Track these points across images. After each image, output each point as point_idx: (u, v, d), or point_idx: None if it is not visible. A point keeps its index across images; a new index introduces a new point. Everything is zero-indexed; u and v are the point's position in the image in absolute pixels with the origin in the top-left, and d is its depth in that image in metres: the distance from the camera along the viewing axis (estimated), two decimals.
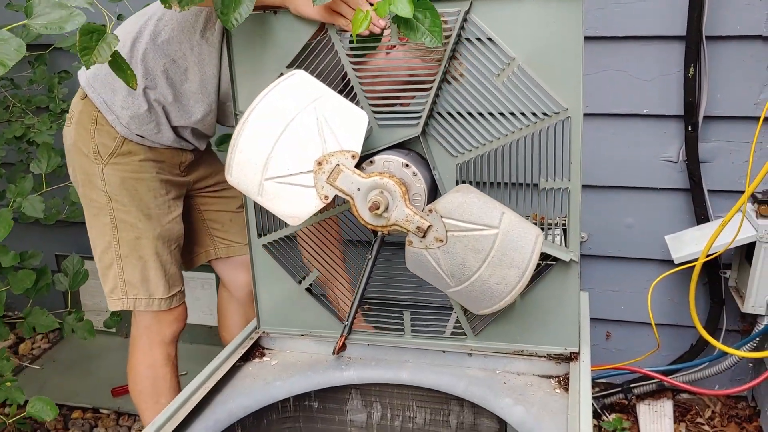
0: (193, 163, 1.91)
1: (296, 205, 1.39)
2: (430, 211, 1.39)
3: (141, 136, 1.73)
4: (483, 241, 1.37)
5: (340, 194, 1.38)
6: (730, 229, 1.87)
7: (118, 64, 1.20)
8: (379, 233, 1.52)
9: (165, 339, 1.87)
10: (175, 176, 1.85)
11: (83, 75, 1.73)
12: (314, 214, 1.42)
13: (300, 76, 1.39)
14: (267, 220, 1.65)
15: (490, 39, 1.38)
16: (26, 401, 1.81)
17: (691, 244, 2.11)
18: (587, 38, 2.12)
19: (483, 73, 1.40)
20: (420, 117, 1.46)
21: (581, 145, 1.41)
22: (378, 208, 1.37)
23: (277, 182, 1.39)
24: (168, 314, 1.86)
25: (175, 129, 1.77)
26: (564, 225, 1.73)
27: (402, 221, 1.39)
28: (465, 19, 1.38)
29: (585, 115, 2.10)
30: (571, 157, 1.43)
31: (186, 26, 1.63)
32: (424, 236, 1.40)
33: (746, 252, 2.11)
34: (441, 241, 1.40)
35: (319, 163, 1.37)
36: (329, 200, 1.38)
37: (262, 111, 1.38)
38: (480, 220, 1.37)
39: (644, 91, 2.15)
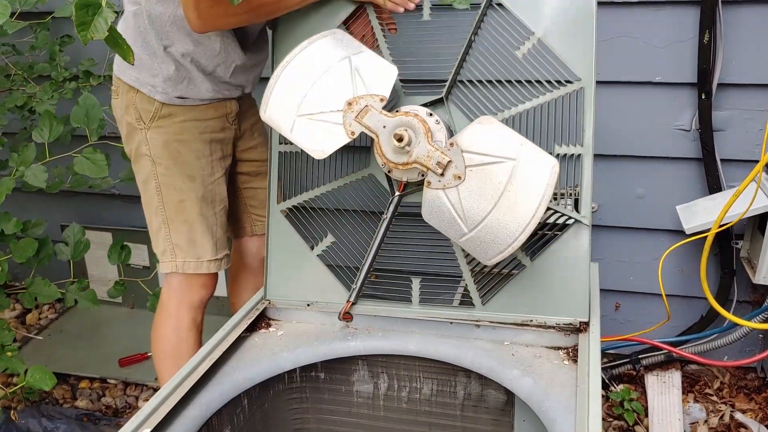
0: (241, 115, 1.89)
1: (324, 140, 1.50)
2: (451, 144, 1.44)
3: (182, 98, 1.73)
4: (499, 173, 1.40)
5: (366, 131, 1.47)
6: (742, 199, 1.83)
7: (114, 40, 1.16)
8: (395, 196, 1.57)
9: (193, 303, 1.88)
10: (221, 131, 1.84)
11: (116, 63, 1.78)
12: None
13: (339, 33, 1.55)
14: (288, 186, 1.69)
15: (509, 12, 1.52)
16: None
17: (703, 214, 2.08)
18: (600, 3, 2.07)
19: (504, 45, 1.52)
20: (444, 84, 1.56)
21: (594, 114, 1.47)
22: (402, 140, 1.43)
23: (309, 119, 1.51)
24: (198, 278, 1.86)
25: (211, 76, 1.75)
26: (575, 195, 1.75)
27: (423, 157, 1.45)
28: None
29: (597, 82, 2.07)
30: (584, 124, 1.47)
31: None
32: (442, 174, 1.44)
33: (759, 222, 2.07)
34: (459, 178, 1.43)
35: (349, 104, 1.48)
36: (355, 136, 1.48)
37: (302, 58, 1.52)
38: (499, 151, 1.41)
39: (657, 58, 2.11)
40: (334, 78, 1.51)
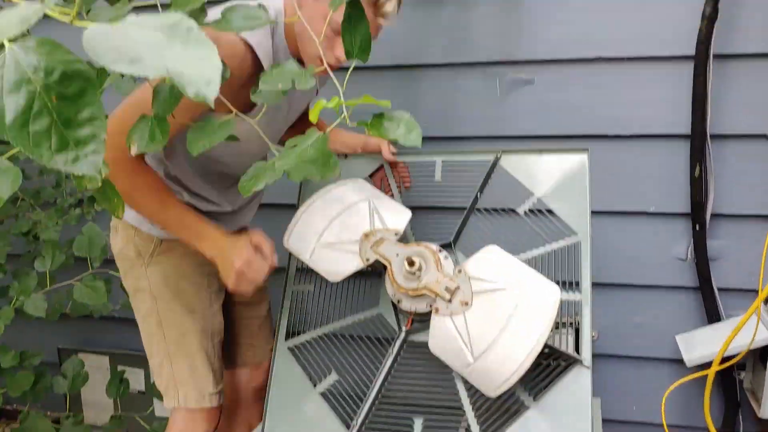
0: None
1: (340, 265, 1.60)
2: (459, 271, 1.53)
3: None
4: (505, 299, 1.49)
5: (381, 258, 1.57)
6: (744, 330, 1.84)
7: (105, 193, 1.19)
8: (402, 332, 1.61)
9: None
10: None
11: None
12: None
13: (361, 181, 1.76)
14: (297, 324, 1.74)
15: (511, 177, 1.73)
16: None
17: (703, 345, 2.07)
18: (595, 136, 2.15)
19: (507, 202, 1.71)
20: (452, 231, 1.73)
21: (591, 265, 1.58)
22: (413, 264, 1.53)
23: (328, 247, 1.62)
24: (200, 413, 1.83)
25: (203, 202, 1.77)
26: (575, 324, 1.80)
27: (432, 283, 1.52)
28: (495, 164, 1.75)
29: (593, 212, 2.12)
30: (581, 274, 1.57)
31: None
32: (450, 300, 1.51)
33: (761, 354, 2.06)
34: (466, 304, 1.50)
35: (366, 235, 1.61)
36: (369, 263, 1.58)
37: (326, 199, 1.68)
38: (504, 278, 1.51)
39: (651, 189, 2.16)
40: (354, 214, 1.64)
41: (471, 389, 1.57)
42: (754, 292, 2.14)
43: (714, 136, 2.07)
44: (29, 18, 0.58)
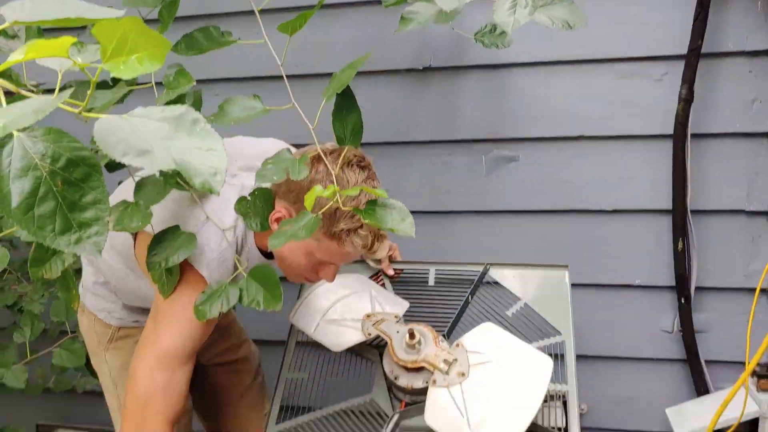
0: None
1: (342, 337, 1.72)
2: (457, 345, 1.63)
3: (136, 321, 1.74)
4: (500, 371, 1.58)
5: (382, 334, 1.67)
6: (733, 403, 1.84)
7: (66, 284, 1.20)
8: (396, 413, 1.63)
9: None
10: None
11: (80, 285, 1.77)
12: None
13: (363, 276, 1.92)
14: (290, 410, 1.75)
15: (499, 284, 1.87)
16: None
17: (693, 418, 2.07)
18: (580, 211, 2.19)
19: (495, 305, 1.83)
20: (446, 325, 1.82)
21: (574, 363, 1.72)
22: (413, 337, 1.61)
23: (331, 324, 1.75)
24: None
25: None
26: (563, 397, 1.86)
27: (431, 356, 1.60)
28: (484, 273, 1.89)
29: (578, 285, 2.14)
30: (567, 373, 1.69)
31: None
32: (447, 372, 1.57)
33: (749, 427, 2.06)
34: (463, 375, 1.58)
35: (368, 315, 1.72)
36: (371, 337, 1.68)
37: (330, 284, 1.72)
38: (499, 352, 1.61)
39: (636, 263, 2.19)
40: (357, 299, 1.79)
41: None
42: (742, 364, 2.15)
43: (695, 211, 2.12)
44: (43, 110, 0.60)
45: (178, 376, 1.43)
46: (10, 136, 0.67)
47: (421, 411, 1.63)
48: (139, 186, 1.12)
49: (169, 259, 1.19)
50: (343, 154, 1.38)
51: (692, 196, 2.10)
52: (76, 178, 0.72)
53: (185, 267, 1.39)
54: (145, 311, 1.72)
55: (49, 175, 0.70)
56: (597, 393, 2.30)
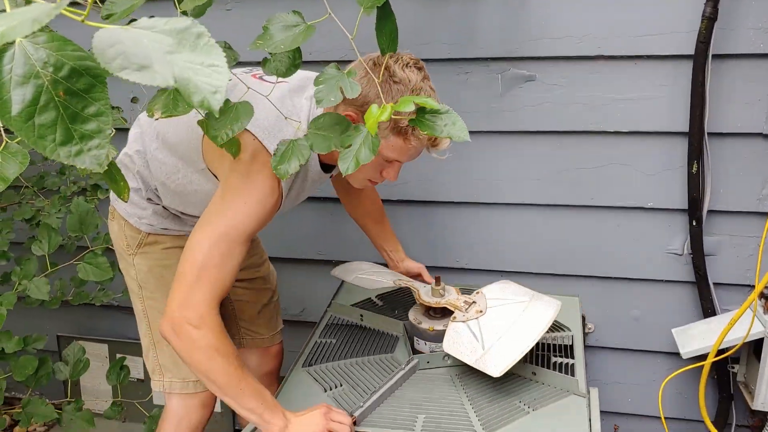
0: None
1: (375, 283, 2.01)
2: (477, 293, 1.84)
3: (166, 229, 1.80)
4: (515, 307, 1.76)
5: (410, 286, 1.96)
6: (738, 324, 1.86)
7: (112, 175, 1.20)
8: (413, 359, 1.79)
9: (191, 425, 1.88)
10: None
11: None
12: None
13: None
14: (318, 354, 1.90)
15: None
16: None
17: (699, 338, 2.10)
18: (592, 132, 2.17)
19: None
20: None
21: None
22: (439, 283, 1.88)
23: (366, 275, 2.06)
24: (195, 398, 1.87)
25: (192, 219, 1.79)
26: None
27: (453, 299, 1.83)
28: None
29: (589, 206, 2.14)
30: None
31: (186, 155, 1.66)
32: (467, 311, 1.77)
33: (754, 347, 2.09)
34: (481, 312, 1.77)
35: (399, 279, 2.02)
36: (398, 285, 1.99)
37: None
38: (515, 297, 1.81)
39: (649, 185, 2.18)
40: (390, 273, 2.10)
41: (473, 400, 1.67)
42: (750, 287, 2.17)
43: (712, 134, 2.09)
44: (42, 18, 0.59)
45: (235, 254, 1.46)
46: (12, 42, 0.66)
47: (439, 359, 1.81)
48: None
49: (233, 128, 1.18)
50: (401, 57, 1.47)
51: (710, 118, 2.06)
52: (79, 88, 0.71)
53: (256, 153, 1.44)
54: (177, 219, 1.79)
55: (50, 84, 0.69)
56: (604, 313, 2.33)
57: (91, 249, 2.08)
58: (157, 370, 1.86)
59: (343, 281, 2.25)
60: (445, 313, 1.85)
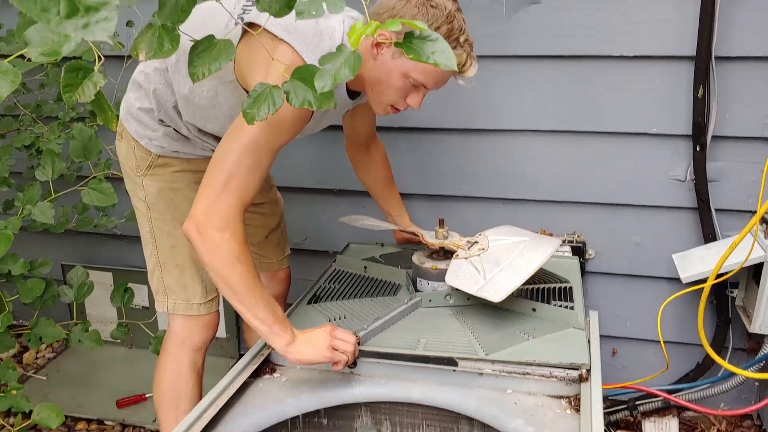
0: None
1: (380, 226, 2.10)
2: (480, 234, 1.90)
3: (176, 152, 1.80)
4: (516, 245, 1.82)
5: (415, 230, 2.08)
6: (738, 249, 1.87)
7: (99, 105, 1.18)
8: (414, 297, 1.85)
9: (194, 345, 1.91)
10: None
11: (122, 109, 1.82)
12: None
13: None
14: (323, 293, 1.97)
15: None
16: (31, 411, 1.80)
17: (699, 263, 2.11)
18: (597, 57, 2.14)
19: None
20: None
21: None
22: (443, 226, 1.95)
23: (372, 222, 2.13)
24: (199, 320, 1.90)
25: (209, 139, 1.80)
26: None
27: (456, 239, 1.91)
28: None
29: (592, 132, 2.13)
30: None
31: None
32: (469, 248, 1.84)
33: (754, 272, 2.11)
34: (483, 249, 1.83)
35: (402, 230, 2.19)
36: (403, 228, 2.17)
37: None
38: (516, 237, 1.86)
39: (653, 111, 2.16)
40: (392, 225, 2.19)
41: (474, 329, 1.71)
42: (751, 213, 2.17)
43: (719, 58, 2.06)
44: None
45: (263, 164, 1.50)
46: None
47: (441, 297, 1.84)
48: (162, 5, 1.08)
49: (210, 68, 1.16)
50: None
51: (717, 42, 2.03)
52: None
53: (293, 66, 1.42)
54: (188, 142, 1.79)
55: None
56: (605, 239, 2.35)
57: (94, 176, 2.07)
58: (161, 291, 1.89)
59: (349, 243, 2.35)
60: (447, 255, 1.90)
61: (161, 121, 1.75)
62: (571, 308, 1.78)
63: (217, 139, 1.76)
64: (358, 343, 1.60)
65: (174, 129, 1.77)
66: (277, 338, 1.51)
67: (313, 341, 1.53)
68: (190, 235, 1.48)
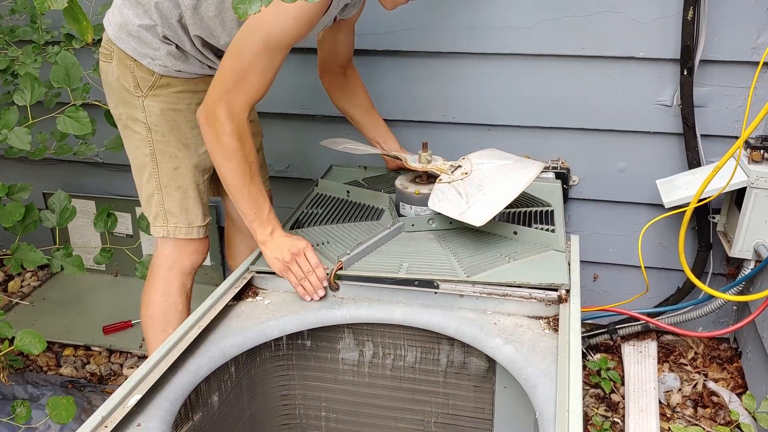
0: None
1: (361, 150, 2.10)
2: (463, 158, 1.86)
3: (178, 71, 1.77)
4: (501, 168, 1.81)
5: (397, 154, 2.05)
6: (721, 174, 1.87)
7: (73, 13, 1.14)
8: (397, 222, 1.85)
9: (184, 269, 1.93)
10: None
11: (110, 27, 1.77)
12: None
13: None
14: (307, 218, 1.97)
15: None
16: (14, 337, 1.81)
17: (682, 188, 2.12)
18: None
19: None
20: None
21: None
22: (426, 149, 1.90)
23: (353, 145, 2.13)
24: (190, 244, 1.92)
25: (209, 55, 1.78)
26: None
27: (440, 163, 1.88)
28: None
29: (581, 57, 2.09)
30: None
31: None
32: (452, 173, 1.81)
33: (736, 197, 2.12)
34: (467, 173, 1.81)
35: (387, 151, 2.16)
36: (387, 153, 2.13)
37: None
38: (500, 160, 1.84)
39: (641, 34, 2.12)
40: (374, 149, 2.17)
41: (456, 253, 1.71)
42: (737, 138, 2.16)
43: None
44: None
45: (275, 63, 1.57)
46: None
47: (424, 222, 1.85)
48: None
49: None
50: None
51: None
52: None
53: None
54: (190, 60, 1.77)
55: None
56: (589, 165, 2.34)
57: (72, 103, 2.02)
58: (161, 215, 1.87)
59: (331, 165, 2.33)
60: (431, 179, 1.89)
61: (165, 37, 1.71)
62: (552, 231, 1.78)
63: (219, 55, 1.75)
64: (341, 268, 1.61)
65: (176, 46, 1.73)
66: (255, 234, 1.67)
67: (278, 248, 1.64)
68: (200, 120, 1.60)
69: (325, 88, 2.16)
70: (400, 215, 1.90)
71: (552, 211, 1.92)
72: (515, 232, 1.78)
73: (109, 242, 2.28)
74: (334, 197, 2.09)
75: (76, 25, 1.15)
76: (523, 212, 1.92)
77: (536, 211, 1.92)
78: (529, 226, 1.81)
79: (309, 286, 1.61)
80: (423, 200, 1.83)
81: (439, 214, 1.77)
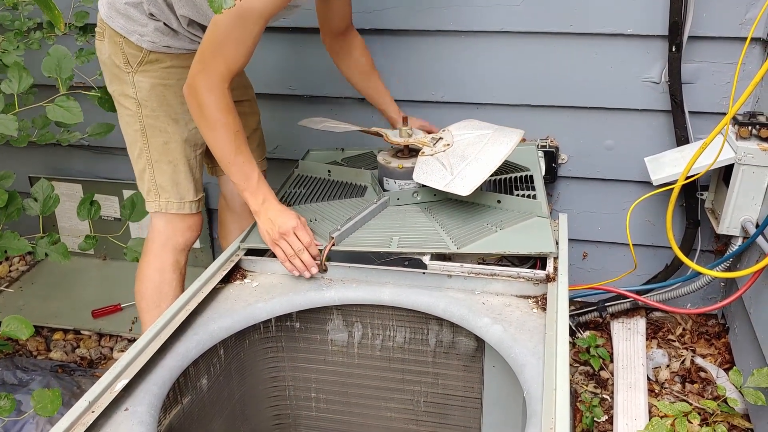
0: None
1: (341, 128, 2.04)
2: (444, 130, 1.90)
3: (168, 47, 1.77)
4: (481, 137, 1.82)
5: (378, 130, 2.00)
6: (709, 151, 1.87)
7: (45, 2, 1.13)
8: (383, 197, 1.84)
9: (177, 245, 1.94)
10: None
11: (102, 7, 1.78)
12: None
13: None
14: (294, 195, 1.98)
15: None
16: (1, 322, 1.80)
17: (670, 165, 2.12)
18: None
19: None
20: None
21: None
22: (406, 123, 1.93)
23: (334, 125, 2.06)
24: (184, 221, 1.92)
25: (197, 30, 1.78)
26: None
27: (421, 137, 1.90)
28: None
29: (569, 34, 2.08)
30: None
31: None
32: (435, 145, 1.83)
33: (724, 174, 2.12)
34: (448, 145, 1.83)
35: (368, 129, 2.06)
36: (369, 130, 2.03)
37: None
38: (480, 130, 1.86)
39: (629, 10, 2.11)
40: (353, 126, 2.08)
41: (444, 224, 1.72)
42: (725, 115, 2.16)
43: None
44: None
45: (252, 33, 1.57)
46: None
47: (409, 195, 1.86)
48: None
49: None
50: None
51: None
52: None
53: None
54: (178, 36, 1.77)
55: None
56: (577, 143, 2.34)
57: (62, 94, 2.00)
58: (153, 190, 1.88)
59: (309, 149, 2.31)
60: (412, 153, 1.90)
61: (151, 14, 1.72)
62: (534, 197, 1.80)
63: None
64: (333, 244, 1.61)
65: (164, 23, 1.74)
66: (248, 203, 1.69)
67: (269, 224, 1.65)
68: (186, 93, 1.62)
69: (328, 49, 2.14)
70: (384, 190, 1.90)
71: (531, 176, 1.95)
72: (499, 201, 1.79)
73: (97, 227, 2.26)
74: (316, 177, 2.09)
75: (49, 13, 1.14)
76: (504, 179, 1.94)
77: (516, 176, 1.95)
78: (511, 192, 1.84)
79: (299, 264, 1.61)
80: (406, 174, 1.83)
81: (424, 186, 1.78)
